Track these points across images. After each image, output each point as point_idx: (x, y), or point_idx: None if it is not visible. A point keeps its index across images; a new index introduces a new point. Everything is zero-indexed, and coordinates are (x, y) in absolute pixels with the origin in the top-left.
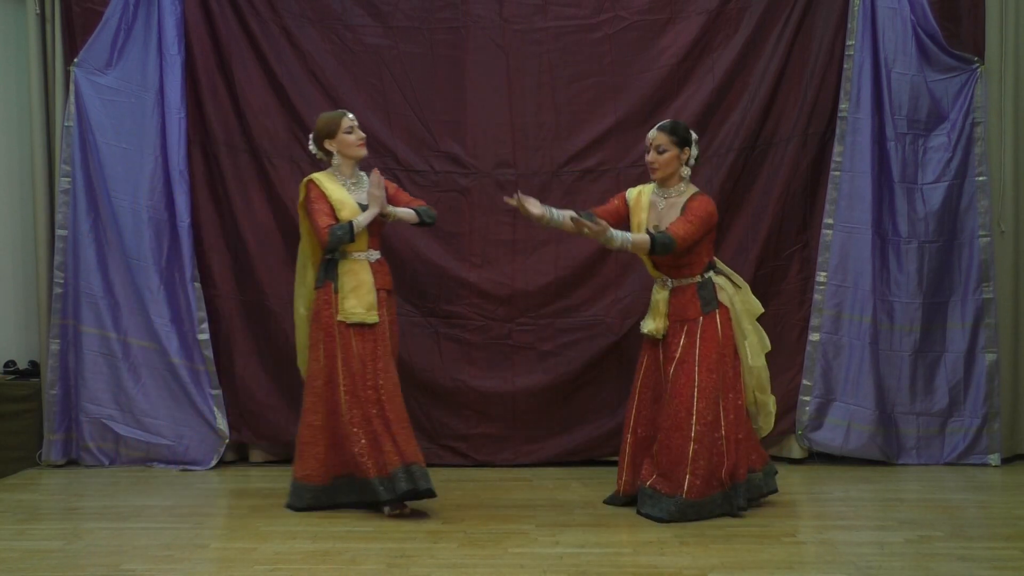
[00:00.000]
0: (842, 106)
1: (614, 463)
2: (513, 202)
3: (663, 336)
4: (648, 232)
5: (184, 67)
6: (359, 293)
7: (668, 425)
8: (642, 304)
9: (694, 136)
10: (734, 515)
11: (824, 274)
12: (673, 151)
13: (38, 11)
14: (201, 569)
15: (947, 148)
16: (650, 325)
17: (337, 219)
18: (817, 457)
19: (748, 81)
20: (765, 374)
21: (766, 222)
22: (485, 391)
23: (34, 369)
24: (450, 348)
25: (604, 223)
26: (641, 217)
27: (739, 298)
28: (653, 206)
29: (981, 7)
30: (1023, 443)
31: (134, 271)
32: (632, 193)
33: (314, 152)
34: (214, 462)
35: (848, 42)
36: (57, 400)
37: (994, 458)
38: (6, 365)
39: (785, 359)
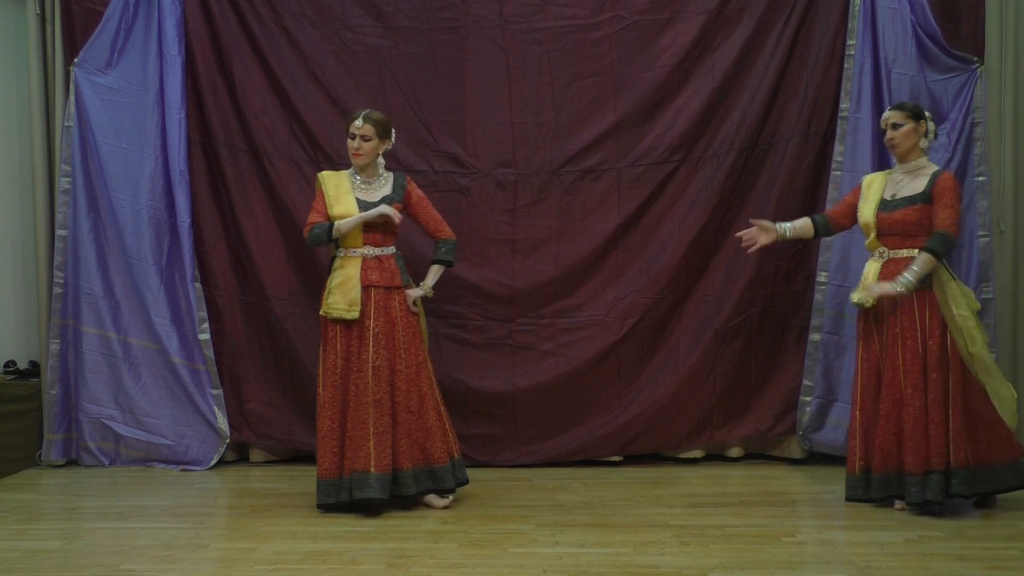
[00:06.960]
0: (843, 105)
1: (614, 463)
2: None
3: (872, 307)
4: (926, 247)
5: (184, 67)
6: (343, 289)
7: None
8: (642, 304)
9: (928, 113)
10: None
11: (825, 274)
12: (909, 124)
13: (38, 11)
14: (201, 569)
15: (947, 148)
16: (858, 294)
17: (330, 216)
18: (818, 457)
19: (748, 81)
20: (986, 357)
21: None
22: (485, 391)
23: (34, 369)
24: (450, 348)
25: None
26: (870, 195)
27: (956, 283)
28: (890, 180)
29: (981, 7)
30: (1023, 443)
31: (134, 271)
32: (867, 178)
33: None
34: (214, 462)
35: (848, 42)
36: (57, 400)
37: None
38: (6, 365)
39: (786, 360)
